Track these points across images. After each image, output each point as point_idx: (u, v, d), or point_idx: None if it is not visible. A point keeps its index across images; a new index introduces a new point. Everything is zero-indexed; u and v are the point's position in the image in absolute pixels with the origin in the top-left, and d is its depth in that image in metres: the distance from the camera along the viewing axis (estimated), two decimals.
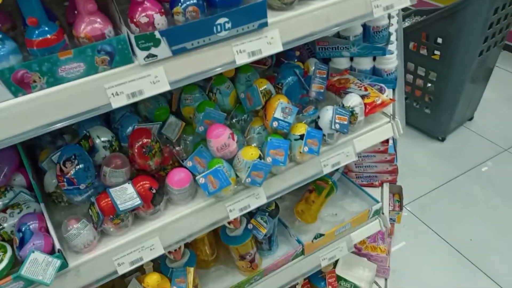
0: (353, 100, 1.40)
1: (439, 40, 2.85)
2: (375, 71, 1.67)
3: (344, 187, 1.92)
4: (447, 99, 3.04)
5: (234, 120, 1.37)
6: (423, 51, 2.96)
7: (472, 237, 2.59)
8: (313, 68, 1.55)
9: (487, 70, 3.17)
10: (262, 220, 1.49)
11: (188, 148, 1.30)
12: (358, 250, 2.03)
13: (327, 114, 1.35)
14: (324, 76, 1.53)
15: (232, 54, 1.02)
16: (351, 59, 1.69)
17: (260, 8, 1.00)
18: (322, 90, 1.50)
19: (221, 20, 0.96)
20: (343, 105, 1.41)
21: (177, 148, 1.26)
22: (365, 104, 1.44)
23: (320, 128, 1.37)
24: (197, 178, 1.15)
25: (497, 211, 2.73)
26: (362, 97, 1.44)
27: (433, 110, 3.18)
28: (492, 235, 2.58)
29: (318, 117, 1.38)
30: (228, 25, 0.97)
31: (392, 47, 1.66)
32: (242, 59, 1.03)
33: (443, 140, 3.29)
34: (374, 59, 1.66)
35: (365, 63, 1.65)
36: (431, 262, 2.48)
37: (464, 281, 2.37)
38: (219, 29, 0.96)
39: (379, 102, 1.46)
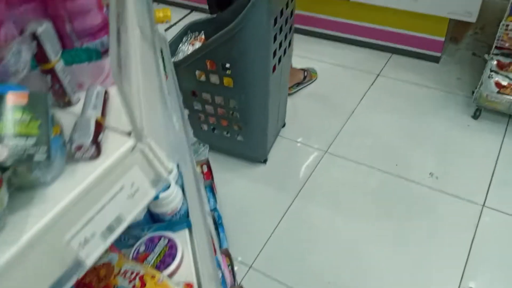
0: None
1: (228, 66, 2.40)
2: (153, 217, 1.07)
3: None
4: (256, 123, 2.67)
5: None
6: (214, 79, 2.48)
7: (327, 277, 2.32)
8: None
9: (285, 77, 2.89)
10: None
11: None
12: None
13: None
14: None
15: None
16: None
17: None
18: None
19: None
20: None
21: None
22: None
23: None
24: None
25: (339, 230, 2.52)
26: None
27: (245, 136, 2.79)
28: (341, 264, 2.36)
29: None
30: None
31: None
32: None
33: (265, 162, 2.96)
34: None
35: None
36: None
37: None
38: None
39: None
